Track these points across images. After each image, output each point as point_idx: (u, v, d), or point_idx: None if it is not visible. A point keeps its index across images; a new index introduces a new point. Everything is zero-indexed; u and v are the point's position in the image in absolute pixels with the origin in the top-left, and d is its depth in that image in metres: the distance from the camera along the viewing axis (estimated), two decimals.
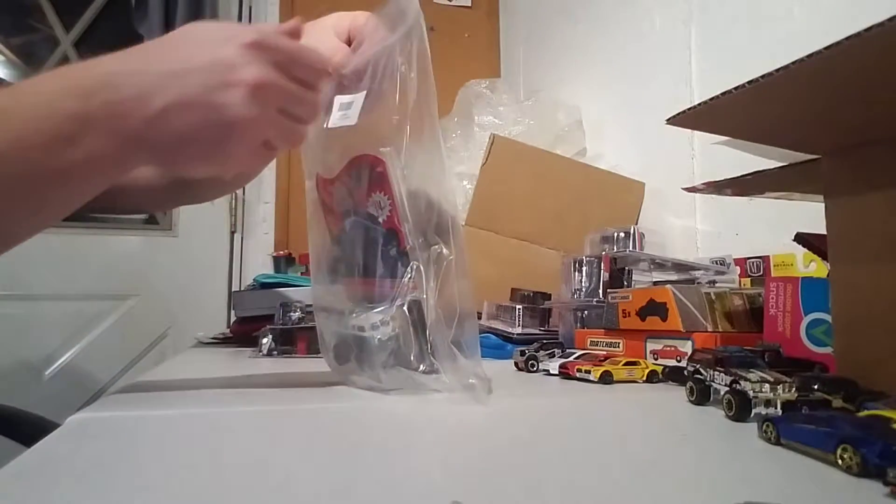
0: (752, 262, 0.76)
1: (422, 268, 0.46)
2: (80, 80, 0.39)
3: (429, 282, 0.46)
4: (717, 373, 0.40)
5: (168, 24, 1.71)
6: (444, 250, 0.46)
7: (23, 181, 0.38)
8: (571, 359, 0.58)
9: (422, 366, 0.46)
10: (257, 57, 0.40)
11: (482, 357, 0.74)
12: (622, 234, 0.84)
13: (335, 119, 0.48)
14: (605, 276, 0.73)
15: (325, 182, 0.52)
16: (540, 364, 0.61)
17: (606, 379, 0.52)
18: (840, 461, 0.25)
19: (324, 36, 0.51)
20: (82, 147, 0.38)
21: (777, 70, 0.34)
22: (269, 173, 1.85)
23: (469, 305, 0.45)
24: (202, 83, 0.39)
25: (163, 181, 0.66)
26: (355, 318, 0.49)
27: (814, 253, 0.61)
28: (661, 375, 0.53)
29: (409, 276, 0.47)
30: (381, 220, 0.49)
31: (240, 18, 1.89)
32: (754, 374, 0.37)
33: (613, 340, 0.62)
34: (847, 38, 0.30)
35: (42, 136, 0.37)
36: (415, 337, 0.47)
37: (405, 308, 0.47)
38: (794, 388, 0.36)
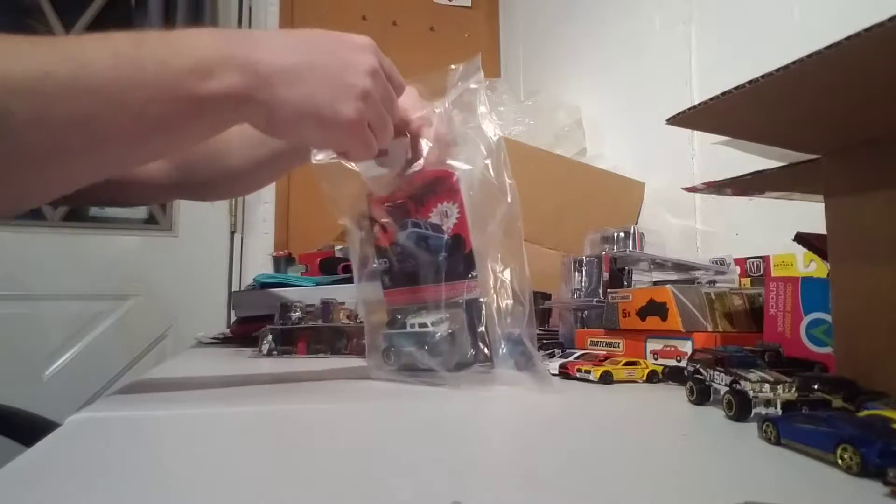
0: (752, 262, 0.76)
1: (489, 266, 0.52)
2: (218, 30, 0.44)
3: (493, 279, 0.51)
4: (717, 373, 0.40)
5: (168, 25, 1.71)
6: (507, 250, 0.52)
7: (163, 102, 0.41)
8: (571, 359, 0.58)
9: (477, 360, 0.51)
10: (374, 53, 0.48)
11: None
12: (622, 234, 0.84)
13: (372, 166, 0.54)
14: (605, 276, 0.73)
15: (377, 201, 0.56)
16: None
17: (606, 379, 0.52)
18: (840, 461, 0.25)
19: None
20: (218, 81, 0.42)
21: (777, 70, 0.34)
22: None
23: (529, 299, 0.51)
24: (330, 52, 0.46)
25: (168, 179, 0.68)
26: (413, 317, 0.53)
27: (814, 253, 0.61)
28: (661, 375, 0.53)
29: (472, 275, 0.52)
30: (447, 227, 0.53)
31: (240, 18, 1.89)
32: (754, 374, 0.37)
33: (613, 340, 0.62)
34: (847, 38, 0.30)
35: (185, 62, 0.41)
36: (471, 334, 0.51)
37: (463, 306, 0.51)
38: (794, 388, 0.36)
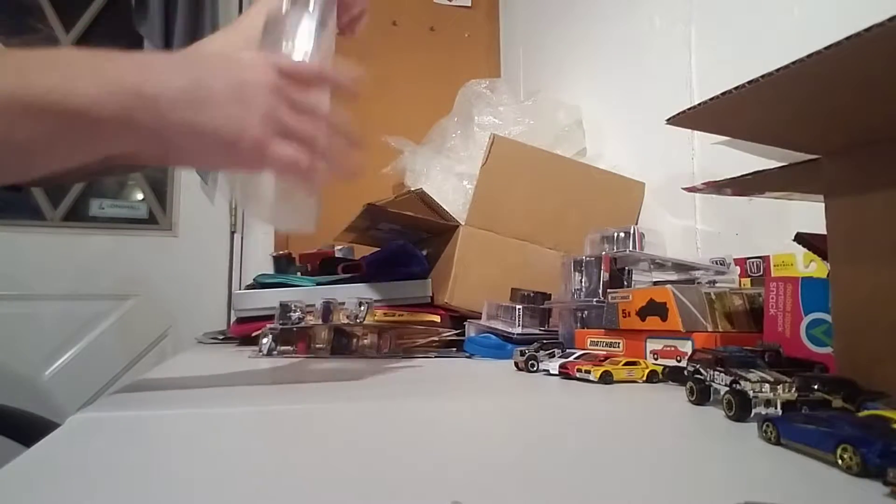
0: (752, 262, 0.76)
1: None
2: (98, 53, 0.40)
3: None
4: (717, 373, 0.40)
5: (168, 25, 1.70)
6: None
7: (40, 115, 0.37)
8: (571, 359, 0.58)
9: None
10: (269, 67, 0.43)
11: (482, 357, 0.75)
12: (622, 234, 0.84)
13: None
14: (605, 276, 0.73)
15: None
16: (540, 364, 0.61)
17: (606, 379, 0.52)
18: (840, 461, 0.25)
19: None
20: (90, 99, 0.38)
21: (777, 70, 0.34)
22: None
23: None
24: (224, 70, 0.42)
25: None
26: None
27: (814, 253, 0.61)
28: (661, 375, 0.53)
29: None
30: None
31: None
32: (754, 374, 0.37)
33: (613, 340, 0.62)
34: (847, 38, 0.30)
35: (49, 78, 0.37)
36: None
37: None
38: (794, 388, 0.36)
